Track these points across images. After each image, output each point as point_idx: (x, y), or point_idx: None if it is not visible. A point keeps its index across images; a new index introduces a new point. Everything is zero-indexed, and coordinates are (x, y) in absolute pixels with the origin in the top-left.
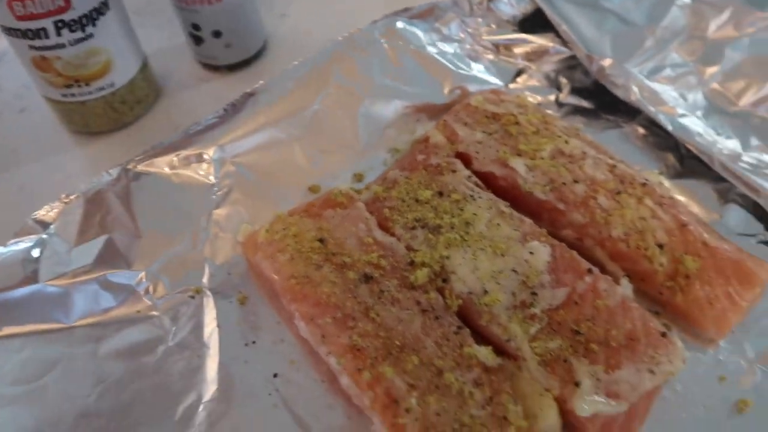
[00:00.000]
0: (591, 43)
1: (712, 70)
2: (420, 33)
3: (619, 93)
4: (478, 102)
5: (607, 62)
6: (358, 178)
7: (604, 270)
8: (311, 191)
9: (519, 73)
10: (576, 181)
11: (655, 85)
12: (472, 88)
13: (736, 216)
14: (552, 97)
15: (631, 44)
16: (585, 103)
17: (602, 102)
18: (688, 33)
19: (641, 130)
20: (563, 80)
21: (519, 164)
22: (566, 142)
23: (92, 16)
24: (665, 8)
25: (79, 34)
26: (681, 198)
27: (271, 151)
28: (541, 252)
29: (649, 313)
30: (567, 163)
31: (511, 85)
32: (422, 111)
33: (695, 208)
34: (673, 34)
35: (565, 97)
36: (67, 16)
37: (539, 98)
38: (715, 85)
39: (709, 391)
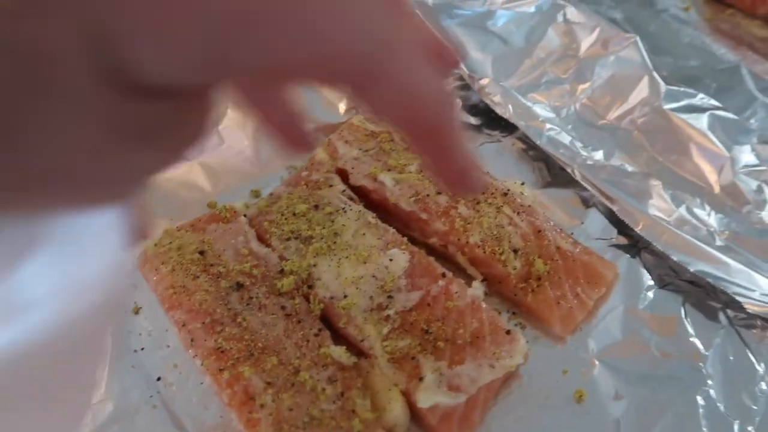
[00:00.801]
0: (476, 64)
1: (583, 86)
2: None
3: (498, 110)
4: (360, 121)
5: (485, 81)
6: (256, 194)
7: (464, 274)
8: (210, 208)
9: None
10: (439, 193)
11: (530, 102)
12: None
13: (596, 222)
14: None
15: (511, 64)
16: (472, 120)
17: (488, 118)
18: (561, 52)
19: (520, 144)
20: (456, 99)
21: (387, 178)
22: None
23: None
24: (542, 30)
25: None
26: (549, 205)
27: (170, 171)
28: (399, 259)
29: (507, 312)
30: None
31: None
32: (320, 130)
33: (561, 215)
34: (548, 53)
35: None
36: None
37: None
38: (585, 101)
39: (552, 384)
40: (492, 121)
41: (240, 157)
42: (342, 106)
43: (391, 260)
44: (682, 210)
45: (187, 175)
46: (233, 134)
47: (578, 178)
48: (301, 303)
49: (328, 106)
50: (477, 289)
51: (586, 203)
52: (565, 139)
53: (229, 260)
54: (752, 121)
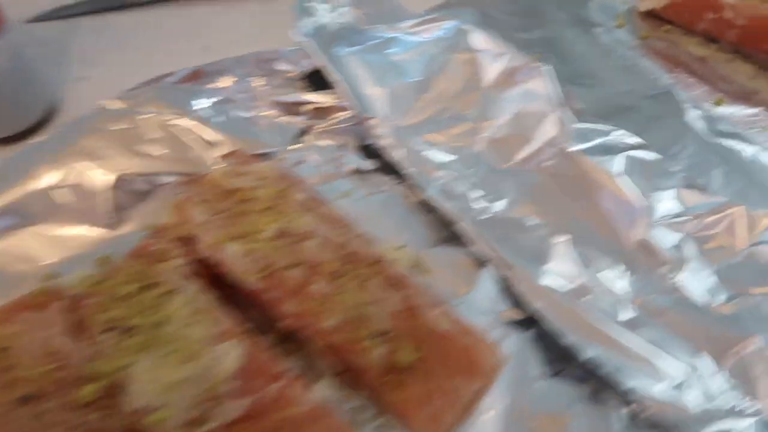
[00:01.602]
0: (370, 100)
1: (486, 124)
2: (188, 98)
3: (390, 154)
4: (222, 175)
5: (374, 121)
6: (103, 262)
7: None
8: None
9: (303, 132)
10: (295, 265)
11: (426, 144)
12: (249, 152)
13: (486, 290)
14: (336, 156)
15: (407, 99)
16: (366, 164)
17: (384, 162)
18: (464, 85)
19: (416, 192)
20: (349, 139)
21: (233, 249)
22: (296, 219)
23: None
24: (444, 60)
25: None
26: (436, 269)
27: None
28: (230, 355)
29: (372, 411)
30: (290, 244)
31: (296, 146)
32: (190, 183)
33: (449, 281)
34: (449, 86)
35: (347, 157)
36: None
37: (320, 158)
38: (488, 141)
39: None
40: (388, 165)
41: (88, 217)
42: (218, 153)
43: (221, 357)
44: (588, 273)
45: (16, 245)
46: (79, 192)
47: (470, 235)
48: (104, 417)
49: (201, 152)
50: (321, 390)
51: (480, 265)
52: (460, 187)
53: (31, 361)
54: (681, 157)
